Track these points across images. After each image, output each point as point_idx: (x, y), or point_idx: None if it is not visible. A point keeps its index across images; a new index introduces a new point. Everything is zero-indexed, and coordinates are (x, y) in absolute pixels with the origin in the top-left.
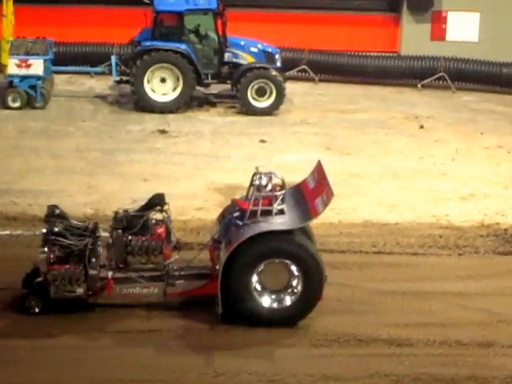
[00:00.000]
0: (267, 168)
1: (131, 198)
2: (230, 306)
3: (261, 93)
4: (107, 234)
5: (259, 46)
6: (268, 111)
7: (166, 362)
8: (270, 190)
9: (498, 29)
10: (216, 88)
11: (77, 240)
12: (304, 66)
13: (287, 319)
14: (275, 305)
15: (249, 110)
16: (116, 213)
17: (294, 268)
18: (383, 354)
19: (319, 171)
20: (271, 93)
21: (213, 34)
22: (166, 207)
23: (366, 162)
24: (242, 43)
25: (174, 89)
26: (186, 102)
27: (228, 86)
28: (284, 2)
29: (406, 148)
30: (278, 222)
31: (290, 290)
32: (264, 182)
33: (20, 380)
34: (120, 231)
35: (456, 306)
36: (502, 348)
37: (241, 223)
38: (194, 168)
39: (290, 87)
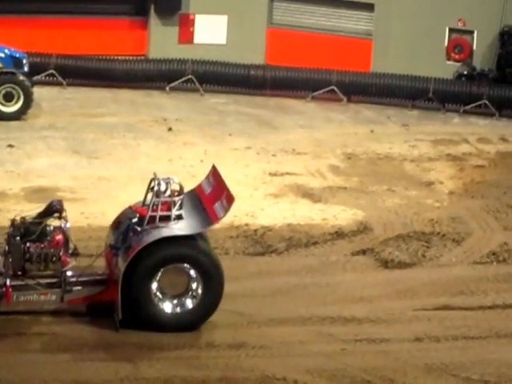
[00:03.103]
0: (16, 173)
1: None
2: (130, 312)
3: (8, 98)
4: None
5: (6, 50)
6: (16, 116)
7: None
8: (169, 196)
9: (246, 31)
10: None
11: None
12: (52, 71)
13: (189, 323)
14: (177, 309)
15: None
16: (13, 220)
17: (193, 272)
18: (133, 357)
19: (215, 176)
20: (19, 98)
21: None
22: (63, 214)
23: (114, 165)
24: None
25: None
26: None
27: None
28: (30, 7)
29: (155, 151)
30: (178, 228)
31: (190, 294)
32: (162, 187)
33: None
34: (18, 238)
35: None
36: (253, 349)
37: (139, 229)
38: None
39: (38, 92)
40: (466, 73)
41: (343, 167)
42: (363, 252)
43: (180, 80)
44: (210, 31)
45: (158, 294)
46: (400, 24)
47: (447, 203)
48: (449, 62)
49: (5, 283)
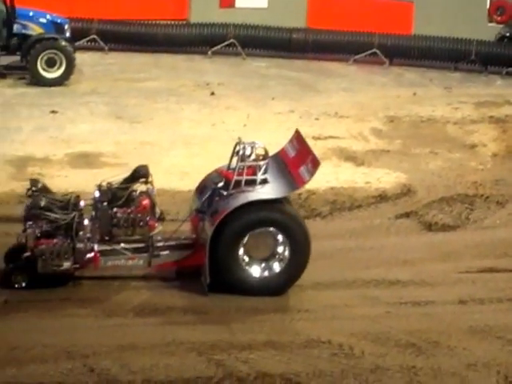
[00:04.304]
0: (59, 138)
1: None
2: (217, 277)
3: (51, 64)
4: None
5: (48, 16)
6: (58, 82)
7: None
8: (254, 160)
9: None
10: (5, 60)
11: (62, 214)
12: (94, 36)
13: (277, 287)
14: (264, 273)
15: (39, 81)
16: (99, 185)
17: (280, 236)
18: (179, 322)
19: (299, 140)
20: (61, 63)
21: (1, 6)
22: (150, 179)
23: (157, 130)
24: (31, 14)
25: None
26: None
27: (18, 58)
28: None
29: (198, 115)
30: (264, 191)
31: (277, 257)
32: (247, 151)
33: None
34: (105, 204)
35: None
36: (298, 313)
37: (225, 193)
38: None
39: (80, 57)
40: (508, 35)
41: (386, 130)
42: (407, 215)
43: (222, 44)
44: None
45: (245, 257)
46: None
47: (490, 165)
48: (490, 24)
49: (92, 248)
